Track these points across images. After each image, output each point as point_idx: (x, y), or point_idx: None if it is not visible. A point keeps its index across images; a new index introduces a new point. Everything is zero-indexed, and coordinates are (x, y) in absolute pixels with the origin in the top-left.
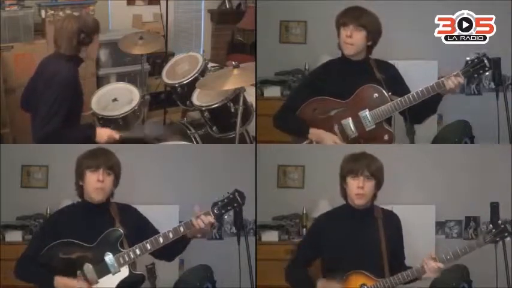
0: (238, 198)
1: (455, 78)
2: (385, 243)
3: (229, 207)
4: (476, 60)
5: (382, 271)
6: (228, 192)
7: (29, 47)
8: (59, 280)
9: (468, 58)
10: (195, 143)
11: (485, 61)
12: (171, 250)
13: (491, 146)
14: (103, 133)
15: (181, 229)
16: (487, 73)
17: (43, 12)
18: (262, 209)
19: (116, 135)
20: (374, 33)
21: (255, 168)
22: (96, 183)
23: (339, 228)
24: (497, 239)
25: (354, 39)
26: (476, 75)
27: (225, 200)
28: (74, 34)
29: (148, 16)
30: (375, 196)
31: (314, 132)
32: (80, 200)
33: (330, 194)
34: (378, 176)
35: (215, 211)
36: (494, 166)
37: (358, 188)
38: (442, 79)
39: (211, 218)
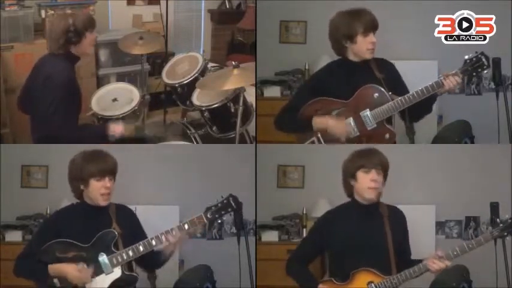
0: (233, 203)
1: (453, 78)
2: (392, 240)
3: (223, 212)
4: (474, 58)
5: (389, 268)
6: (222, 197)
7: (29, 47)
8: (52, 267)
9: (467, 57)
10: (195, 143)
11: (483, 59)
12: (154, 259)
13: (491, 146)
14: (116, 128)
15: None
16: (485, 71)
17: (43, 12)
18: (262, 209)
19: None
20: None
21: (255, 168)
22: (102, 190)
23: (345, 224)
24: (505, 233)
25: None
26: (475, 74)
27: (219, 205)
28: (60, 33)
29: (148, 16)
30: (380, 193)
31: (318, 121)
32: (78, 201)
33: (329, 194)
34: (386, 171)
35: (208, 216)
36: (494, 166)
37: (372, 181)
38: (441, 78)
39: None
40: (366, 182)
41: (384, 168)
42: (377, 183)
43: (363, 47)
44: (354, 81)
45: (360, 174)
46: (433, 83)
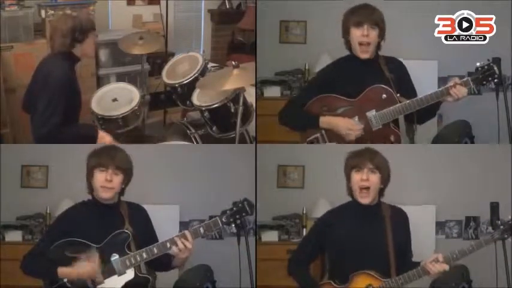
0: (247, 208)
1: (461, 88)
2: (392, 241)
3: (237, 216)
4: (486, 67)
5: (389, 270)
6: (238, 200)
7: (29, 47)
8: (62, 270)
9: (478, 64)
10: (195, 143)
11: (495, 68)
12: (165, 261)
13: (491, 146)
14: (105, 137)
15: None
16: (496, 80)
17: (43, 12)
18: (262, 209)
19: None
20: (384, 30)
21: (255, 168)
22: (103, 183)
23: (345, 225)
24: (506, 235)
25: (370, 38)
26: (485, 82)
27: (234, 209)
28: (67, 31)
29: (148, 16)
30: (381, 192)
31: (325, 120)
32: (90, 198)
33: (330, 194)
34: (382, 170)
35: (224, 220)
36: (494, 166)
37: (362, 180)
38: (451, 85)
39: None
40: (358, 182)
41: (378, 166)
42: (368, 182)
43: (355, 40)
44: (362, 79)
45: (353, 175)
46: (442, 88)
